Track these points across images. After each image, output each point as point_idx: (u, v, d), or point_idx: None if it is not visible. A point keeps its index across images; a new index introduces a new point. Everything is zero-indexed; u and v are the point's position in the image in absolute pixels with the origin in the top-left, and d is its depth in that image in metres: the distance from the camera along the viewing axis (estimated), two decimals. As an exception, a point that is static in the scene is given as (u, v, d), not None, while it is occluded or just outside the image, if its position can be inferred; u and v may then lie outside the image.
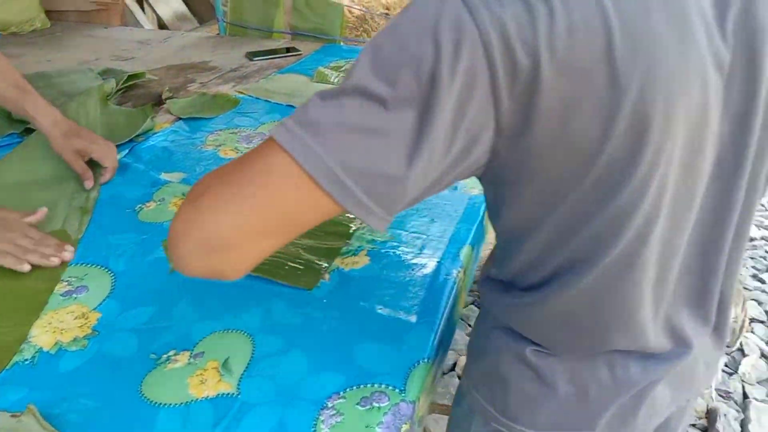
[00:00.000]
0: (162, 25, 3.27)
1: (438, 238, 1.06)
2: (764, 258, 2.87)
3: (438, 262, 1.00)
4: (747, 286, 2.65)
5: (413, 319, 0.88)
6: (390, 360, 0.80)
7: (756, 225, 3.12)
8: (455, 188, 1.23)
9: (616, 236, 0.55)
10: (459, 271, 0.99)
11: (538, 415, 0.69)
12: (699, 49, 0.49)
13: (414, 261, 1.00)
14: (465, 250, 1.04)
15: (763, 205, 3.34)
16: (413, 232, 1.07)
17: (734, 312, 1.74)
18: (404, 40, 0.46)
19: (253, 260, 0.53)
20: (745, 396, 2.09)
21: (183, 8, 3.42)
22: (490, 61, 0.44)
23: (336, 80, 1.80)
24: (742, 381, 2.15)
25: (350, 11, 5.71)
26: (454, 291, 0.96)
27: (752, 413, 1.99)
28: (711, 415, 1.97)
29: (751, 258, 2.86)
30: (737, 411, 2.03)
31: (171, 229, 0.52)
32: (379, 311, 0.89)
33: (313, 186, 0.47)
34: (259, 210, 0.49)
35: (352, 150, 0.46)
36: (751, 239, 3.00)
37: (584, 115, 0.47)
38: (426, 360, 0.82)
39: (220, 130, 1.47)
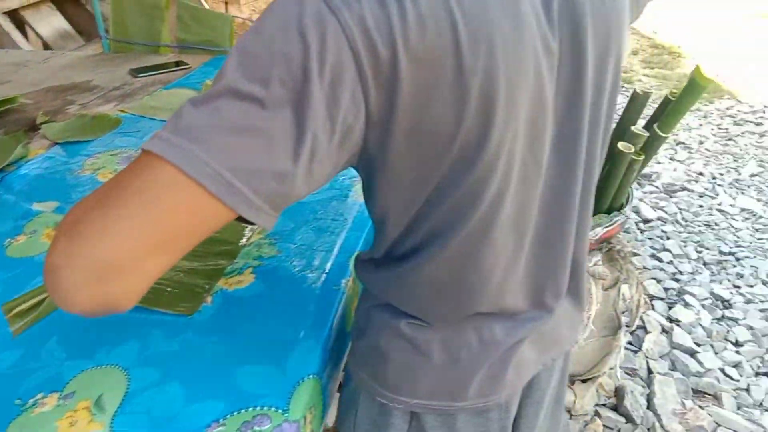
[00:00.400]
0: (47, 46, 3.10)
1: (327, 249, 1.04)
2: (660, 238, 3.02)
3: (326, 273, 0.98)
4: (646, 266, 2.79)
5: (300, 334, 0.86)
6: (273, 380, 0.78)
7: (651, 207, 3.29)
8: (345, 197, 1.22)
9: (473, 205, 0.60)
10: (348, 281, 0.97)
11: (418, 384, 0.73)
12: (531, 36, 0.54)
13: (301, 275, 0.98)
14: (353, 260, 1.03)
15: (657, 187, 3.53)
16: (301, 245, 1.05)
17: (629, 293, 1.82)
18: (270, 39, 0.47)
19: (147, 282, 0.49)
20: (649, 371, 2.19)
21: (66, 26, 3.25)
22: (355, 54, 0.46)
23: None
24: (646, 357, 2.25)
25: (251, 20, 5.63)
26: (343, 301, 0.94)
27: (656, 387, 2.09)
28: (618, 393, 2.06)
29: (649, 238, 3.01)
30: (643, 387, 2.12)
31: (47, 264, 0.48)
32: (264, 331, 0.86)
33: (201, 192, 0.46)
34: (147, 226, 0.46)
35: (236, 151, 0.46)
36: (647, 220, 3.16)
37: (440, 101, 0.51)
38: (313, 376, 0.80)
39: (100, 153, 1.40)
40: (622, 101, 4.34)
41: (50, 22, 3.19)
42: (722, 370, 2.21)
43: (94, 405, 0.75)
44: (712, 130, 4.45)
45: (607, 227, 1.69)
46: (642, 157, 1.70)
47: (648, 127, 1.74)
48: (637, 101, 1.83)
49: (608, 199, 1.77)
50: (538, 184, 0.65)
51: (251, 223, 0.52)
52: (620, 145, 1.67)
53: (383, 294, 0.74)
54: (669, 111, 1.68)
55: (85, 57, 2.20)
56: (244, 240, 1.07)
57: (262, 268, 0.99)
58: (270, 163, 0.47)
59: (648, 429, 1.95)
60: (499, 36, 0.51)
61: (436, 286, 0.68)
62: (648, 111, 1.82)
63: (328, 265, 1.00)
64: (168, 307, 0.90)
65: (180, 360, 0.81)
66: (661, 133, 1.70)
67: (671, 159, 3.92)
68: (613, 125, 0.73)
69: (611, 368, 2.03)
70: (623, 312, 1.91)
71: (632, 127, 1.71)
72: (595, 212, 1.77)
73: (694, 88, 1.61)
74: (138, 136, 1.48)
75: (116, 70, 2.02)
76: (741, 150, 4.10)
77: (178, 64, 2.03)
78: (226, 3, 5.19)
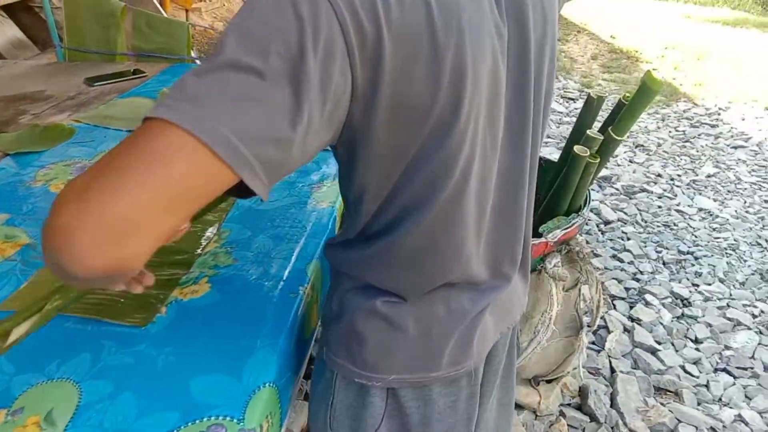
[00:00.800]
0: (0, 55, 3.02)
1: (284, 256, 1.04)
2: (621, 239, 3.08)
3: (283, 281, 0.98)
4: (607, 266, 2.84)
5: (256, 343, 0.85)
6: (228, 389, 0.77)
7: (612, 208, 3.35)
8: (304, 204, 1.21)
9: (446, 177, 0.64)
10: (305, 288, 0.97)
11: (395, 360, 0.76)
12: (487, 19, 0.61)
13: (258, 283, 0.97)
14: (312, 265, 1.03)
15: (617, 189, 3.59)
16: (258, 253, 1.05)
17: (589, 293, 1.85)
18: (266, 16, 0.49)
19: (157, 242, 0.50)
20: (612, 370, 2.22)
21: (19, 35, 3.18)
22: (344, 31, 0.50)
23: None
24: (609, 356, 2.29)
25: (212, 27, 5.59)
26: (300, 308, 0.94)
27: (619, 386, 2.12)
28: (582, 392, 2.08)
29: (610, 240, 3.06)
30: (606, 386, 2.15)
31: (55, 228, 0.47)
32: (219, 340, 0.85)
33: (210, 155, 0.47)
34: (159, 186, 0.47)
35: (240, 118, 0.48)
36: (608, 222, 3.22)
37: (418, 76, 0.56)
38: (270, 384, 0.79)
39: (53, 163, 1.37)
40: (578, 105, 4.39)
41: (3, 31, 3.11)
42: (683, 367, 2.25)
43: (44, 420, 0.73)
44: (670, 132, 4.56)
45: (565, 229, 1.71)
46: (598, 160, 1.73)
47: (603, 130, 1.77)
48: (592, 105, 1.86)
49: (566, 201, 1.80)
50: (495, 158, 0.70)
51: (246, 195, 0.59)
52: (576, 148, 1.70)
53: (359, 274, 0.76)
54: (623, 115, 1.72)
55: (38, 66, 2.16)
56: (199, 249, 1.06)
57: (218, 277, 0.98)
58: (271, 131, 0.49)
59: (612, 427, 1.98)
60: (465, 16, 0.57)
61: (413, 258, 0.72)
62: (606, 115, 1.86)
63: (286, 273, 0.99)
64: (121, 318, 0.88)
65: (133, 372, 0.80)
66: (615, 137, 1.73)
67: (630, 161, 4.00)
68: (549, 113, 0.81)
69: (574, 368, 2.06)
70: (585, 312, 1.94)
71: (588, 131, 1.74)
72: (554, 215, 1.80)
73: (646, 92, 1.65)
74: (92, 146, 1.46)
75: (71, 79, 1.98)
76: (698, 151, 4.21)
77: (135, 72, 2.00)
78: (187, 11, 5.14)
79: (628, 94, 1.74)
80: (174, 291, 0.95)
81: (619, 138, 1.74)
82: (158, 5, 2.33)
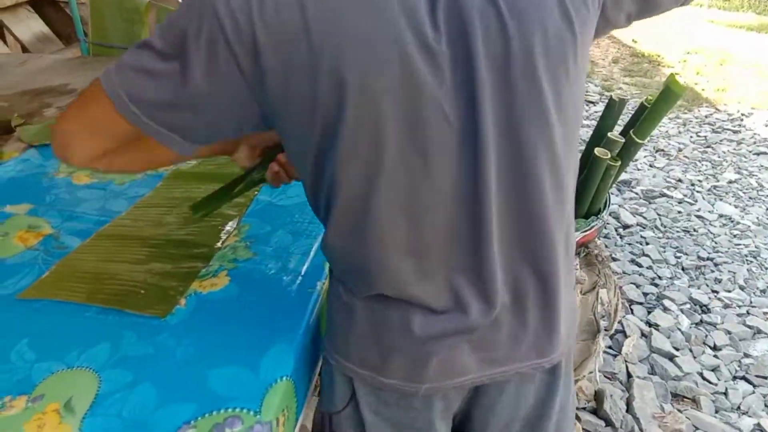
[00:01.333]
0: (25, 49, 3.07)
1: (303, 251, 1.04)
2: (640, 243, 3.05)
3: (301, 276, 0.98)
4: (625, 271, 2.81)
5: (274, 337, 0.85)
6: (246, 382, 0.78)
7: (631, 213, 3.32)
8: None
9: (343, 183, 0.67)
10: (323, 283, 0.97)
11: (350, 348, 0.79)
12: (394, 29, 0.60)
13: (276, 277, 0.98)
14: (330, 262, 1.03)
15: (636, 193, 3.56)
16: (277, 248, 1.05)
17: (607, 297, 1.84)
18: (176, 15, 0.63)
19: (90, 151, 0.71)
20: (629, 375, 2.20)
21: (45, 29, 3.22)
22: (222, 30, 0.60)
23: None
24: (626, 361, 2.27)
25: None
26: (318, 304, 0.94)
27: (635, 391, 2.10)
28: (598, 396, 2.07)
29: (629, 244, 3.04)
30: (622, 390, 2.14)
31: (51, 134, 0.73)
32: (237, 333, 0.86)
33: (111, 107, 0.65)
34: (84, 118, 0.70)
35: (136, 84, 0.64)
36: (627, 226, 3.19)
37: (297, 76, 0.61)
38: (287, 377, 0.80)
39: (76, 155, 1.39)
40: (599, 109, 4.34)
41: (29, 26, 3.16)
42: (700, 374, 2.23)
43: (63, 407, 0.74)
44: (691, 137, 4.50)
45: (584, 232, 1.70)
46: (618, 163, 1.72)
47: (624, 133, 1.76)
48: (613, 108, 1.85)
49: (586, 204, 1.79)
50: (432, 174, 0.66)
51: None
52: (597, 151, 1.69)
53: (332, 266, 0.81)
54: (644, 118, 1.70)
55: (63, 60, 2.19)
56: (219, 243, 1.06)
57: (236, 270, 0.99)
58: (156, 96, 0.64)
59: (627, 433, 1.96)
60: (348, 24, 0.60)
61: (344, 259, 0.76)
62: (627, 118, 1.84)
63: (304, 268, 1.00)
64: (141, 309, 0.89)
65: (152, 362, 0.81)
66: (637, 140, 1.72)
67: (651, 166, 3.97)
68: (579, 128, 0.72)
69: (591, 372, 2.04)
70: (602, 316, 1.92)
71: (609, 134, 1.73)
72: (574, 217, 1.79)
73: (668, 95, 1.63)
74: (115, 140, 1.47)
75: (94, 73, 1.98)
76: (719, 157, 4.16)
77: (157, 68, 2.02)
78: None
79: (650, 97, 1.72)
80: (194, 283, 0.96)
81: (640, 141, 1.73)
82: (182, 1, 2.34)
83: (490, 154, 0.66)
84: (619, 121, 1.89)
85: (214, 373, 0.79)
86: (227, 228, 1.11)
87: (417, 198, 0.68)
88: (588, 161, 1.77)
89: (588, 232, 1.71)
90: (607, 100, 1.83)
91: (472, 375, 0.78)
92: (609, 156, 1.68)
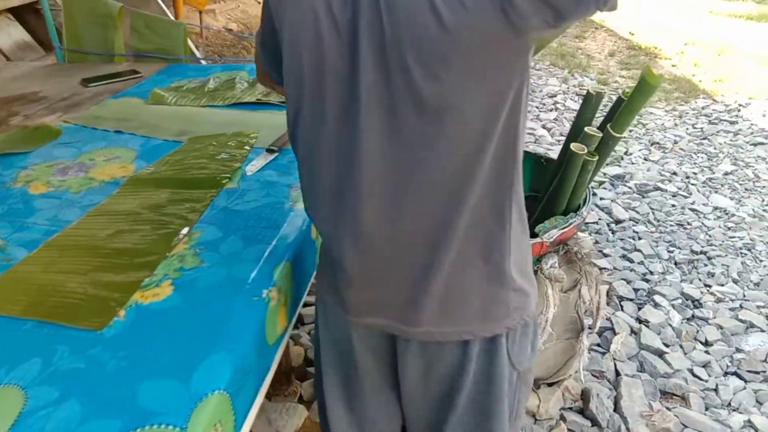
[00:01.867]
0: (6, 57, 3.05)
1: (253, 258, 1.02)
2: (632, 238, 3.01)
3: (248, 284, 0.95)
4: (616, 267, 2.77)
5: (211, 348, 0.83)
6: (175, 396, 0.75)
7: (624, 207, 3.28)
8: (281, 204, 1.19)
9: (288, 115, 0.86)
10: (270, 291, 0.95)
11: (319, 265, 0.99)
12: (314, 12, 0.74)
13: (221, 286, 0.95)
14: (281, 268, 1.00)
15: (630, 188, 3.52)
16: (227, 255, 1.03)
17: (588, 294, 1.80)
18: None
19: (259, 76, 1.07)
20: (617, 374, 2.17)
21: (27, 37, 3.20)
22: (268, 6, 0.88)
23: (172, 101, 1.72)
24: (614, 359, 2.23)
25: (226, 28, 5.60)
26: (265, 312, 0.91)
27: (623, 389, 2.06)
28: (584, 396, 2.03)
29: (621, 239, 3.00)
30: (610, 389, 2.10)
31: None
32: (174, 344, 0.83)
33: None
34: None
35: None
36: (619, 221, 3.15)
37: (282, 41, 0.83)
38: (220, 391, 0.77)
39: (36, 164, 1.37)
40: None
41: (9, 33, 3.14)
42: (691, 371, 2.19)
43: (-17, 427, 0.71)
44: (687, 129, 4.45)
45: (562, 229, 1.66)
46: (596, 158, 1.68)
47: (602, 127, 1.72)
48: (590, 102, 1.82)
49: (564, 200, 1.75)
50: (324, 127, 0.79)
51: None
52: (573, 146, 1.66)
53: None
54: (621, 111, 1.67)
55: (38, 67, 2.17)
56: (170, 252, 1.04)
57: (181, 279, 0.96)
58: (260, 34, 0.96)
59: (614, 432, 1.93)
60: (287, 5, 0.80)
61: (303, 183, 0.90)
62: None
63: (252, 276, 0.97)
64: (77, 321, 0.87)
65: (82, 377, 0.78)
66: (614, 134, 1.68)
67: (645, 159, 3.92)
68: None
69: (576, 371, 2.01)
70: (587, 314, 1.89)
71: (586, 128, 1.69)
72: (551, 214, 1.75)
73: (644, 87, 1.60)
74: (77, 147, 1.45)
75: (67, 80, 1.99)
76: (715, 149, 4.11)
77: (131, 73, 2.00)
78: (201, 12, 5.16)
79: (627, 90, 1.69)
80: (136, 294, 0.93)
81: (618, 135, 1.69)
82: (162, 6, 2.33)
83: (363, 123, 0.75)
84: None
85: (143, 387, 0.76)
86: (180, 236, 1.08)
87: (317, 146, 0.81)
88: (564, 157, 1.74)
89: (566, 229, 1.67)
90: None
91: (376, 320, 0.88)
92: (586, 151, 1.65)
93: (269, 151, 1.39)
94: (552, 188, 1.79)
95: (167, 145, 1.46)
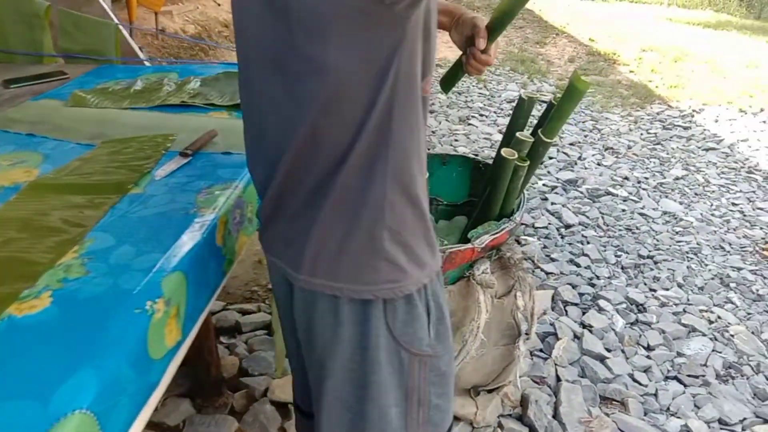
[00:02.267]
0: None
1: (143, 268, 0.96)
2: (580, 243, 3.02)
3: (132, 295, 0.90)
4: (563, 271, 2.77)
5: (78, 364, 0.77)
6: (29, 417, 0.70)
7: (574, 212, 3.29)
8: (186, 210, 1.14)
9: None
10: (155, 303, 0.90)
11: None
12: None
13: (103, 298, 0.90)
14: (170, 279, 0.95)
15: (581, 192, 3.53)
16: (116, 264, 0.97)
17: (522, 300, 1.78)
18: None
19: None
20: (558, 379, 2.15)
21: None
22: None
23: (94, 103, 1.66)
24: (555, 364, 2.22)
25: (183, 30, 5.52)
26: (147, 325, 0.87)
27: (563, 395, 2.05)
28: (523, 402, 2.02)
29: (569, 244, 3.00)
30: (550, 395, 2.08)
31: None
32: (39, 361, 0.78)
33: None
34: None
35: None
36: (569, 226, 3.15)
37: None
38: (82, 410, 0.72)
39: (-64, 167, 1.30)
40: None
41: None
42: (631, 376, 2.19)
43: None
44: (642, 134, 4.50)
45: (494, 234, 1.64)
46: (527, 164, 1.67)
47: (534, 133, 1.71)
48: (522, 107, 1.80)
49: (497, 206, 1.74)
50: (248, 75, 0.93)
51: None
52: (504, 151, 1.64)
53: None
54: (551, 116, 1.66)
55: (-37, 69, 2.09)
56: (58, 260, 0.98)
57: (62, 290, 0.91)
58: None
59: (552, 439, 1.91)
60: None
61: None
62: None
63: (138, 287, 0.92)
64: (-64, 338, 0.81)
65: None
66: (545, 139, 1.67)
67: (598, 164, 3.94)
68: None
69: (516, 377, 1.99)
70: (522, 320, 1.87)
71: (517, 133, 1.68)
72: (484, 220, 1.73)
73: (573, 93, 1.59)
74: (-15, 150, 1.39)
75: (-8, 81, 1.91)
76: (668, 154, 4.16)
77: (57, 74, 1.93)
78: (156, 14, 5.07)
79: (558, 96, 1.68)
80: (11, 306, 0.88)
81: (548, 140, 1.68)
82: (104, 5, 2.26)
83: (253, 71, 0.91)
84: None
85: (-5, 409, 0.71)
86: (73, 243, 1.03)
87: (243, 94, 0.96)
88: (495, 162, 1.73)
89: (498, 235, 1.65)
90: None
91: (273, 258, 1.00)
92: (516, 156, 1.63)
93: (182, 154, 1.34)
94: (486, 194, 1.77)
95: (79, 149, 1.40)
